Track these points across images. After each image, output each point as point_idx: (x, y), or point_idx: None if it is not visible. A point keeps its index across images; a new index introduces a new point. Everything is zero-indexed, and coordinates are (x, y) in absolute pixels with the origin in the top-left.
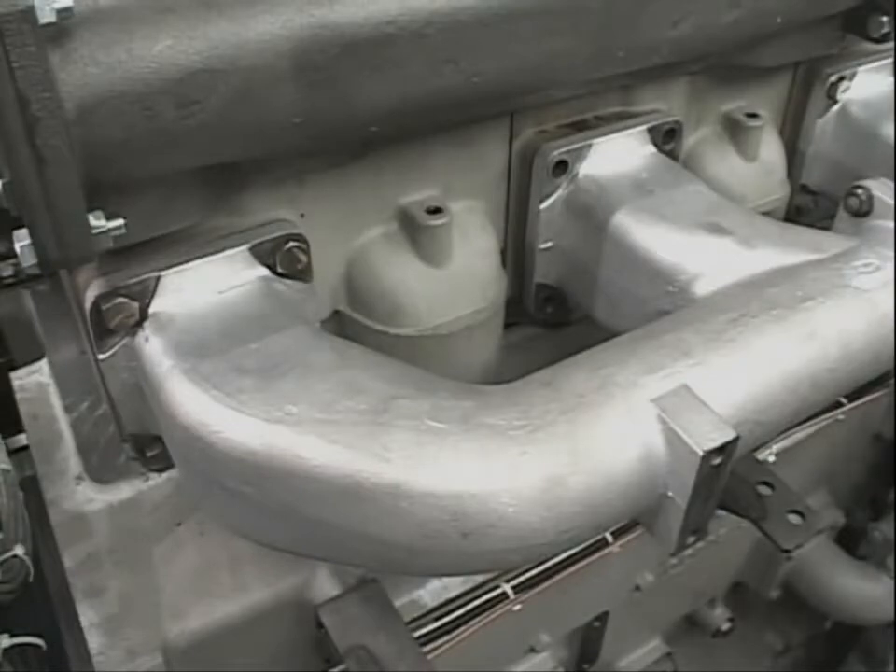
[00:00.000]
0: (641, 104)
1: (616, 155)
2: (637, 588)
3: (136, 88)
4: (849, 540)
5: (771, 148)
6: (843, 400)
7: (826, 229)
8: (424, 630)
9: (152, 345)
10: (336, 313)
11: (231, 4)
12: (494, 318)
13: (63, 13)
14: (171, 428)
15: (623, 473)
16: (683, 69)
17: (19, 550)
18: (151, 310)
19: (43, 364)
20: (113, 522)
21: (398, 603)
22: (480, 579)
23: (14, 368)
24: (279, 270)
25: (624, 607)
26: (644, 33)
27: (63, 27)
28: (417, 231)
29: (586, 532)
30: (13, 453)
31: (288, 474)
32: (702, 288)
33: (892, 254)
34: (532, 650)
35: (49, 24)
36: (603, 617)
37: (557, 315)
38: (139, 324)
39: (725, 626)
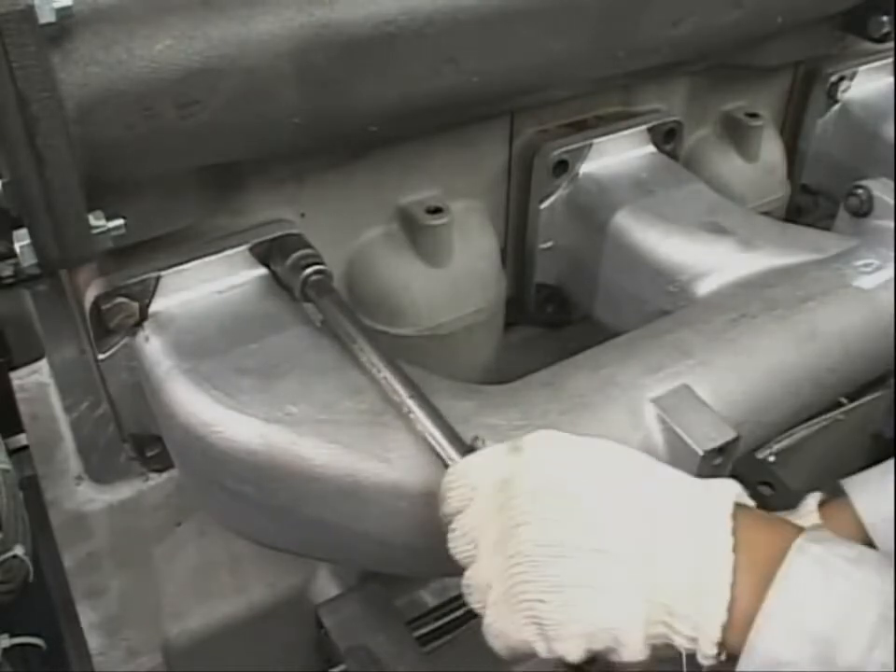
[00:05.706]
0: (641, 103)
1: (616, 155)
2: None
3: (136, 88)
4: None
5: (771, 148)
6: (843, 400)
7: (826, 229)
8: (424, 630)
9: (152, 345)
10: None
11: (231, 3)
12: (494, 318)
13: (63, 13)
14: (171, 428)
15: None
16: (683, 69)
17: (19, 550)
18: (151, 310)
19: (43, 364)
20: (113, 522)
21: (398, 603)
22: None
23: (14, 368)
24: None
25: None
26: (644, 33)
27: (63, 27)
28: (418, 231)
29: None
30: (13, 453)
31: (288, 474)
32: (702, 288)
33: (892, 254)
34: None
35: (48, 24)
36: None
37: (557, 315)
38: (139, 324)
39: None
